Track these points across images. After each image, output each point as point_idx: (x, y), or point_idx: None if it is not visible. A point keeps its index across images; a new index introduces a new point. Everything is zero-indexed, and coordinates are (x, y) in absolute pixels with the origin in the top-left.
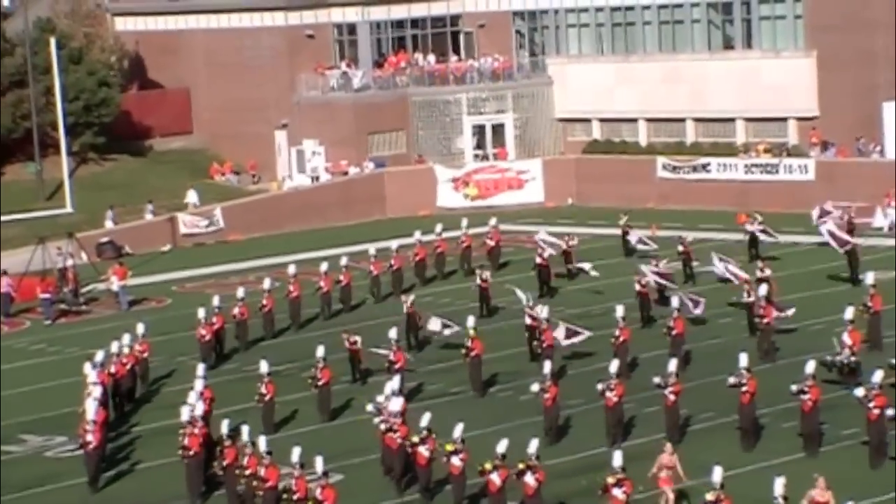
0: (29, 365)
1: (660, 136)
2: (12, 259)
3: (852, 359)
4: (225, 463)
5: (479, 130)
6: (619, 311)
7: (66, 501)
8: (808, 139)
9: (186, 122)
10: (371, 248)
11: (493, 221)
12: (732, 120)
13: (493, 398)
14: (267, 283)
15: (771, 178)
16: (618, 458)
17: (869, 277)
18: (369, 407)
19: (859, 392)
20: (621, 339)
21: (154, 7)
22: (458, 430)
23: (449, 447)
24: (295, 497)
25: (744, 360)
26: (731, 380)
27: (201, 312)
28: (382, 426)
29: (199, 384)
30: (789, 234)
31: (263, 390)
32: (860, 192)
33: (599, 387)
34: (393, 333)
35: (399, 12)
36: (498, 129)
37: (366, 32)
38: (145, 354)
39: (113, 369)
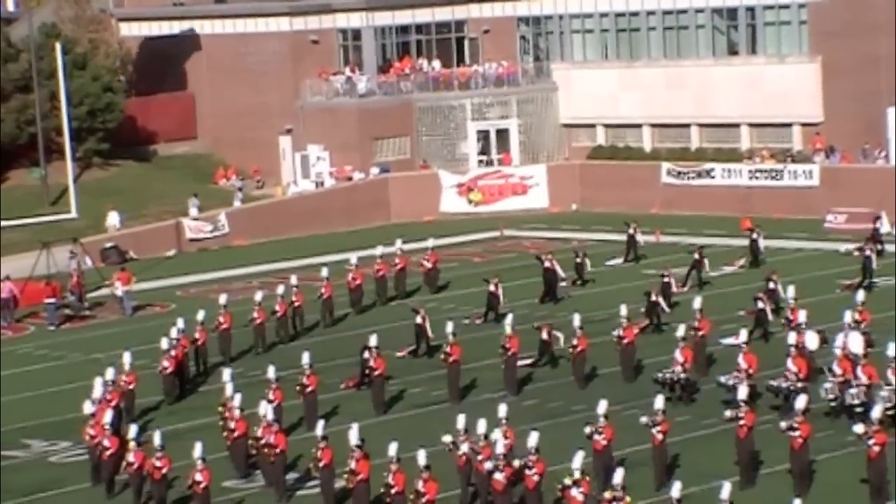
0: (32, 370)
1: (664, 141)
2: (16, 264)
3: (682, 375)
4: (322, 464)
5: (484, 136)
6: (576, 320)
7: None
8: (812, 145)
9: (191, 128)
10: (378, 250)
11: (429, 242)
12: (737, 125)
13: (496, 403)
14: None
15: (775, 183)
16: (577, 461)
17: (696, 302)
18: (464, 447)
19: (858, 429)
20: (579, 348)
21: (159, 12)
22: (534, 440)
23: (567, 480)
24: (393, 491)
25: (742, 392)
26: (728, 413)
27: (164, 343)
28: (487, 464)
29: (229, 389)
30: (794, 239)
31: (271, 396)
32: (865, 198)
33: (587, 430)
34: (373, 341)
35: (404, 18)
36: (502, 135)
37: (370, 38)
38: (131, 386)
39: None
